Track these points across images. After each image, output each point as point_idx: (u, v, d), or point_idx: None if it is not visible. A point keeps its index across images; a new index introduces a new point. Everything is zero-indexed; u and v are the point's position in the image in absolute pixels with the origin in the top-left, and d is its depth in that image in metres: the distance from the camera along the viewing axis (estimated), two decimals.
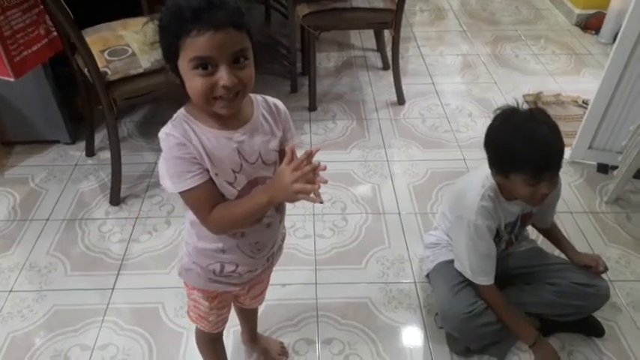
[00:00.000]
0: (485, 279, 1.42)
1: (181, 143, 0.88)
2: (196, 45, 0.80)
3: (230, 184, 0.94)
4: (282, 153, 0.99)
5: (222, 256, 1.04)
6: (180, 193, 0.92)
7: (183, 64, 0.84)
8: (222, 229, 0.98)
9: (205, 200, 0.92)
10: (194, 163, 0.90)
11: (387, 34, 2.77)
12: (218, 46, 0.81)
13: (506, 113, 1.32)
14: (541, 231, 1.64)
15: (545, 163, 1.24)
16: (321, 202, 0.85)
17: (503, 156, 1.30)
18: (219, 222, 0.95)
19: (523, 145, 1.24)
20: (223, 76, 0.82)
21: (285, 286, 1.70)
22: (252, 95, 0.97)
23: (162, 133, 0.90)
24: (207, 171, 0.91)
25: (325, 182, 0.85)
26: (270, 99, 1.01)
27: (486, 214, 1.36)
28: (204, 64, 0.82)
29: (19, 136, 2.26)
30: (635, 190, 2.10)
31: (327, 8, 2.33)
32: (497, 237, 1.44)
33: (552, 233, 1.61)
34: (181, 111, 0.93)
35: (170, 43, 0.83)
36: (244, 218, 0.95)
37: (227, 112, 0.88)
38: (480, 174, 1.41)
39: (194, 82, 0.84)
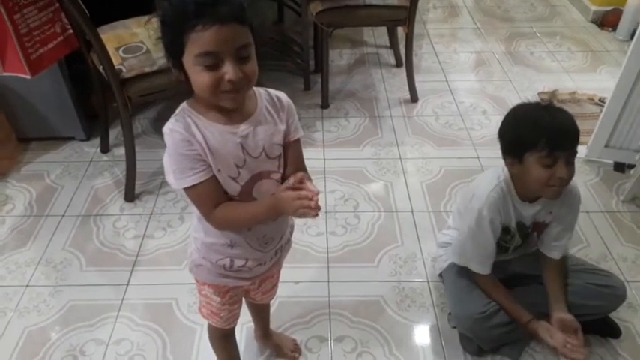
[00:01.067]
0: (479, 267, 1.42)
1: (186, 139, 0.89)
2: (202, 40, 0.81)
3: (233, 179, 0.95)
4: (286, 146, 1.00)
5: (230, 251, 1.04)
6: (184, 189, 0.92)
7: (189, 59, 0.84)
8: (224, 227, 1.00)
9: (208, 197, 0.93)
10: (198, 160, 0.90)
11: (400, 31, 2.75)
12: (224, 41, 0.82)
13: (519, 105, 1.33)
14: (546, 263, 1.49)
15: (560, 139, 1.21)
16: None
17: (517, 136, 1.28)
18: (222, 221, 0.97)
19: (536, 121, 1.24)
20: (229, 70, 0.83)
21: (297, 283, 1.70)
22: (255, 89, 0.97)
23: (167, 129, 0.91)
24: (211, 167, 0.92)
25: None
26: (274, 92, 1.01)
27: (494, 206, 1.35)
28: (210, 59, 0.83)
29: (35, 133, 2.29)
30: None
31: (340, 5, 2.32)
32: (508, 234, 1.43)
33: (556, 270, 1.47)
34: (184, 105, 0.93)
35: (174, 39, 0.84)
36: (247, 222, 0.99)
37: (232, 104, 0.90)
38: (495, 170, 1.41)
39: (200, 77, 0.84)
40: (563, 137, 1.22)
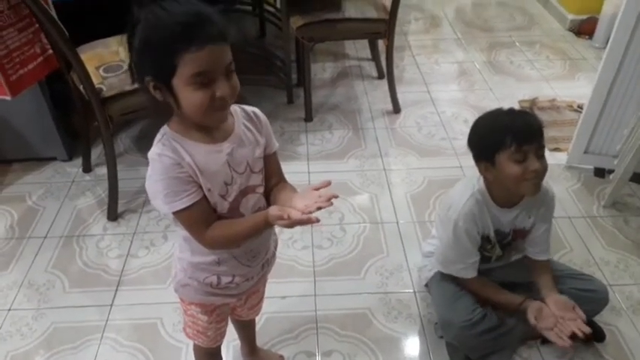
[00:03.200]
0: (463, 272, 1.44)
1: (176, 162, 0.89)
2: (197, 60, 0.81)
3: (222, 196, 0.95)
4: (265, 160, 1.02)
5: (217, 269, 1.04)
6: (174, 212, 0.91)
7: (180, 80, 0.83)
8: (218, 246, 0.99)
9: (200, 217, 0.93)
10: (189, 181, 0.90)
11: (381, 43, 2.78)
12: (216, 60, 0.83)
13: (482, 114, 1.39)
14: (534, 266, 1.52)
15: (524, 134, 1.25)
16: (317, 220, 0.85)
17: (483, 138, 1.33)
18: (215, 240, 0.96)
19: (501, 122, 1.30)
20: (222, 87, 0.84)
21: (284, 298, 1.69)
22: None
23: (154, 154, 0.90)
24: (201, 187, 0.92)
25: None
26: (249, 108, 1.02)
27: (470, 217, 1.37)
28: (204, 78, 0.83)
29: (16, 154, 2.27)
30: (632, 193, 2.10)
31: (320, 19, 2.35)
32: (489, 244, 1.44)
33: (545, 269, 1.50)
34: (166, 129, 0.92)
35: (163, 61, 0.82)
36: (242, 238, 0.98)
37: (221, 121, 0.91)
38: (469, 179, 1.44)
39: (194, 97, 0.84)
40: (528, 132, 1.26)
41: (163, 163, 0.89)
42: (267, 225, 0.91)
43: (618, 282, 1.74)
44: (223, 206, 0.96)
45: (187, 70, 0.82)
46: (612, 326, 1.60)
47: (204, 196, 0.93)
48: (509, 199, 1.40)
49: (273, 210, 0.87)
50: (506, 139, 1.26)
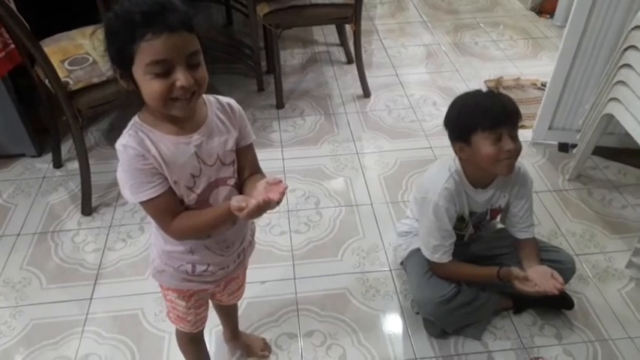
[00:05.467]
0: (443, 257, 1.46)
1: (140, 154, 0.89)
2: (153, 48, 0.81)
3: (189, 188, 0.96)
4: (240, 152, 1.02)
5: (191, 257, 1.05)
6: (140, 203, 0.93)
7: (139, 69, 0.84)
8: (184, 237, 1.00)
9: (166, 209, 0.94)
10: (154, 173, 0.91)
11: (348, 28, 2.80)
12: (174, 48, 0.82)
13: (460, 95, 1.41)
14: (519, 244, 1.54)
15: (500, 116, 1.29)
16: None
17: (460, 119, 1.36)
18: (181, 230, 0.97)
19: (477, 103, 1.34)
20: (180, 77, 0.84)
21: (264, 283, 1.72)
22: (204, 97, 0.98)
23: (120, 145, 0.90)
24: (167, 179, 0.92)
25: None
26: (224, 99, 1.02)
27: (449, 197, 1.40)
28: (161, 67, 0.83)
29: None
30: (595, 166, 2.19)
31: (286, 6, 2.34)
32: (463, 222, 1.49)
33: (530, 246, 1.52)
34: (135, 120, 0.93)
35: (123, 49, 0.83)
36: (208, 228, 0.99)
37: (184, 113, 0.89)
38: (447, 160, 1.46)
39: (151, 86, 0.84)
40: (503, 114, 1.30)
41: (128, 154, 0.89)
42: (230, 215, 0.90)
43: (584, 251, 1.82)
44: (191, 198, 0.97)
45: (144, 58, 0.82)
46: (580, 294, 1.67)
47: (170, 188, 0.93)
48: (482, 180, 1.44)
49: (234, 201, 0.87)
50: (482, 120, 1.29)
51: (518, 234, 1.52)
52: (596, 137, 1.95)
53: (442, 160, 1.50)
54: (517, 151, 1.32)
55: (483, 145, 1.31)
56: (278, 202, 0.84)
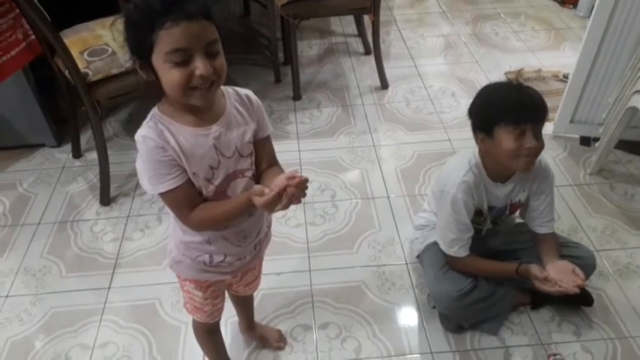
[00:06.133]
0: (460, 251, 1.44)
1: (159, 146, 0.89)
2: (172, 36, 0.81)
3: (208, 180, 0.96)
4: (258, 144, 1.02)
5: (209, 248, 1.05)
6: (159, 194, 0.93)
7: (158, 57, 0.84)
8: (202, 228, 1.01)
9: (184, 200, 0.94)
10: (173, 165, 0.91)
11: (367, 18, 2.77)
12: (193, 37, 0.82)
13: (488, 85, 1.38)
14: (538, 239, 1.51)
15: (526, 112, 1.26)
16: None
17: (485, 110, 1.33)
18: (199, 222, 0.98)
19: (505, 96, 1.31)
20: (199, 65, 0.83)
21: (279, 274, 1.72)
22: (223, 88, 0.98)
23: (139, 136, 0.91)
24: (186, 171, 0.92)
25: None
26: (242, 90, 1.01)
27: (467, 190, 1.38)
28: (180, 56, 0.83)
29: (4, 142, 2.25)
30: (617, 160, 2.14)
31: None
32: (481, 217, 1.47)
33: (550, 241, 1.48)
34: (155, 111, 0.93)
35: (142, 38, 0.83)
36: (226, 219, 0.99)
37: (203, 102, 0.89)
38: (467, 153, 1.44)
39: (171, 75, 0.84)
40: (529, 110, 1.27)
41: (147, 145, 0.89)
42: (250, 205, 0.90)
43: (605, 247, 1.78)
44: (209, 189, 0.97)
45: (163, 46, 0.82)
46: (600, 290, 1.64)
47: (189, 180, 0.94)
48: (502, 174, 1.41)
49: (255, 190, 0.88)
50: (507, 115, 1.27)
51: (537, 228, 1.50)
52: (619, 131, 1.91)
53: (461, 153, 1.47)
54: (538, 149, 1.29)
55: (505, 139, 1.28)
56: (300, 198, 0.85)
